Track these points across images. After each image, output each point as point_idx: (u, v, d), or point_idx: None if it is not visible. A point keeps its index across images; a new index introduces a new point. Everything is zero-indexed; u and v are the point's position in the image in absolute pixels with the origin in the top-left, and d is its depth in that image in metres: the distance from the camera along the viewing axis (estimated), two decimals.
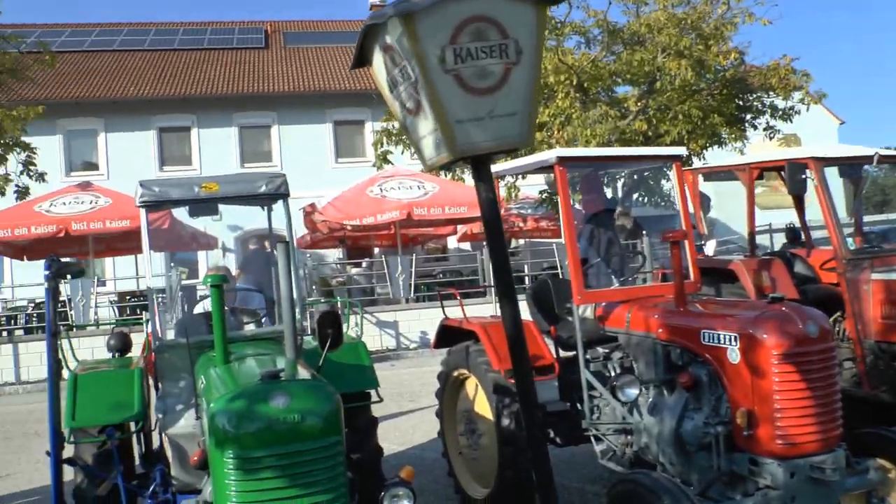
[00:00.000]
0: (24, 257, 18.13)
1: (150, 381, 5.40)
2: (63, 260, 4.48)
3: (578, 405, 5.53)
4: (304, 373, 3.83)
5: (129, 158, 25.36)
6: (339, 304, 15.93)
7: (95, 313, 17.22)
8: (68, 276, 4.53)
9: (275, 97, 28.00)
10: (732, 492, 4.49)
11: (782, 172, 8.49)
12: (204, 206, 5.43)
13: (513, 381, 5.37)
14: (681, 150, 6.02)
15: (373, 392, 5.35)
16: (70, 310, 17.08)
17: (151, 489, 4.50)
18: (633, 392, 4.98)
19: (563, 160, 5.45)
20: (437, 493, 6.48)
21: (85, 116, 26.93)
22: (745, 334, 4.37)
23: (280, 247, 3.95)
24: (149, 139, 27.22)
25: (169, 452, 4.60)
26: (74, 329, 16.42)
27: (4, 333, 17.74)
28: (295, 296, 4.46)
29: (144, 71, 28.86)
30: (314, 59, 30.79)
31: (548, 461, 2.28)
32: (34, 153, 18.47)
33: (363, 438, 5.02)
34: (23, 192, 18.24)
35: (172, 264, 20.25)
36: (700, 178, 8.78)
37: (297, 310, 5.01)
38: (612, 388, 5.08)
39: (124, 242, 18.82)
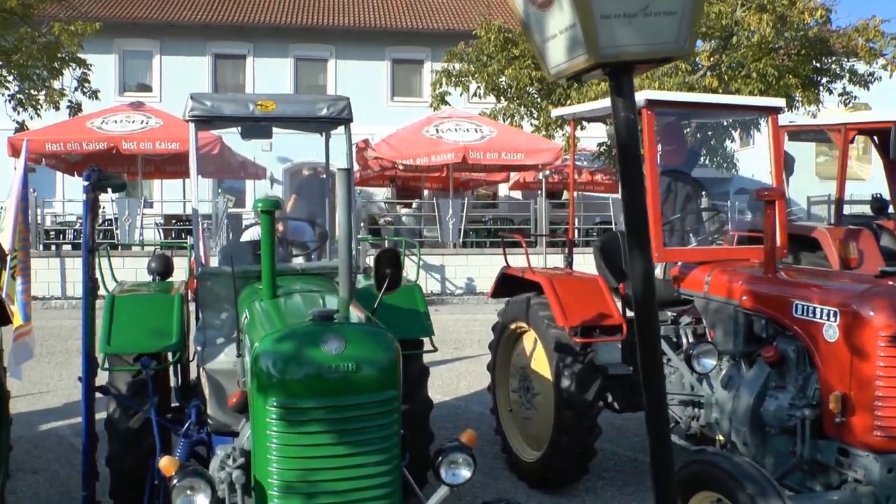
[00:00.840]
0: (75, 173, 18.05)
1: (191, 309, 5.08)
2: (105, 172, 4.11)
3: None
4: (359, 315, 3.45)
5: (182, 83, 25.04)
6: (391, 242, 15.63)
7: (141, 234, 17.14)
8: (109, 190, 4.19)
9: (333, 30, 27.41)
10: (813, 482, 4.08)
11: (875, 137, 7.87)
12: (257, 127, 5.01)
13: (578, 339, 4.97)
14: (780, 102, 5.47)
15: (425, 340, 4.94)
16: (116, 229, 17.03)
17: (186, 427, 4.19)
18: (710, 363, 4.54)
19: (652, 103, 4.95)
20: (483, 451, 6.12)
21: (141, 37, 26.67)
22: (848, 310, 3.90)
23: (340, 174, 3.53)
24: (203, 65, 26.90)
25: (206, 389, 4.27)
26: (120, 248, 16.41)
27: (52, 247, 17.81)
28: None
29: None
30: None
31: (670, 460, 1.85)
32: (89, 70, 18.36)
33: (414, 389, 4.65)
34: (76, 108, 18.16)
35: (220, 191, 20.03)
36: (785, 137, 8.16)
37: (353, 245, 4.62)
38: (688, 356, 4.64)
39: (173, 165, 18.70)
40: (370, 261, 5.23)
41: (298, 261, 5.39)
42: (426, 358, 5.04)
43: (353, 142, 19.62)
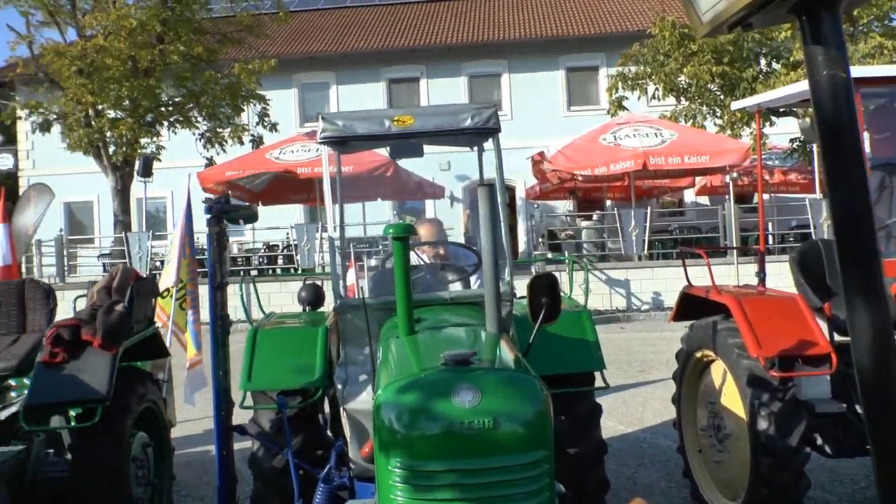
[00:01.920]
0: (259, 202, 18.85)
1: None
2: (232, 202, 3.85)
3: (859, 407, 4.19)
4: (505, 355, 2.93)
5: (358, 109, 25.74)
6: (565, 262, 14.99)
7: (321, 258, 17.55)
8: (241, 222, 3.93)
9: (505, 45, 27.24)
10: None
11: None
12: (405, 145, 4.61)
13: (776, 373, 4.17)
14: None
15: (597, 374, 4.29)
16: (296, 254, 17.53)
17: (326, 471, 3.83)
18: None
19: (859, 82, 4.09)
20: (670, 495, 5.38)
21: (318, 70, 27.67)
22: None
23: (481, 191, 3.05)
24: (378, 91, 27.52)
25: (347, 430, 3.90)
26: (301, 271, 16.87)
27: (241, 273, 18.66)
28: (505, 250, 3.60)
29: (374, 24, 29.21)
30: (546, 3, 29.63)
31: None
32: (268, 105, 19.23)
33: (584, 430, 4.04)
34: (257, 142, 19.04)
35: (396, 212, 20.22)
36: None
37: (507, 269, 4.10)
38: None
39: (349, 190, 19.04)
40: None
41: (455, 287, 4.92)
42: (610, 380, 4.39)
43: (529, 155, 19.21)
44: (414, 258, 5.07)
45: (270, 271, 18.75)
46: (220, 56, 19.33)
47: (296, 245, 17.51)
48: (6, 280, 6.63)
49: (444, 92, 26.91)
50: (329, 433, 4.55)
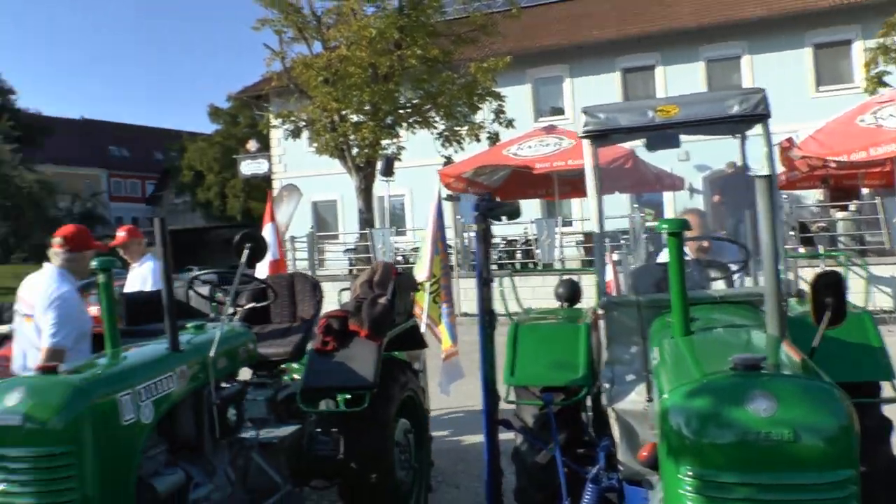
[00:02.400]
0: (496, 198, 19.18)
1: (601, 340, 4.70)
2: (497, 200, 3.93)
3: None
4: (793, 360, 2.72)
5: (592, 101, 25.24)
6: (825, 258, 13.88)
7: (561, 253, 17.55)
8: (503, 218, 4.00)
9: (744, 24, 25.62)
10: None
11: None
12: (662, 136, 4.47)
13: None
14: None
15: (886, 385, 3.87)
16: (536, 248, 17.65)
17: (595, 472, 3.79)
18: None
19: None
20: None
21: (551, 64, 27.65)
22: None
23: (759, 183, 2.87)
24: (612, 81, 27.04)
25: (616, 430, 3.83)
26: (540, 266, 16.97)
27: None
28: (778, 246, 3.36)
29: (606, 13, 28.64)
30: None
31: None
32: (503, 101, 19.53)
33: (873, 446, 3.66)
34: (493, 139, 19.40)
35: (636, 206, 19.76)
36: None
37: (781, 266, 3.83)
38: None
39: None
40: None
41: (718, 285, 4.68)
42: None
43: (776, 142, 17.92)
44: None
45: (509, 266, 19.07)
46: (455, 57, 19.89)
47: (535, 239, 17.64)
48: (276, 274, 7.24)
49: (682, 79, 25.87)
50: (591, 432, 4.50)
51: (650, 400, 3.25)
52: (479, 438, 7.24)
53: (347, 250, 22.76)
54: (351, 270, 21.33)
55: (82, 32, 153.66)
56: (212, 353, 3.64)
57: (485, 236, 3.78)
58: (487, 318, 3.83)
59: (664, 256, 5.72)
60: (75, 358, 4.70)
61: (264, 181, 36.33)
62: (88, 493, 2.84)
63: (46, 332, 4.23)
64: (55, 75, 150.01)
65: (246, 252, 3.92)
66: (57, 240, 4.85)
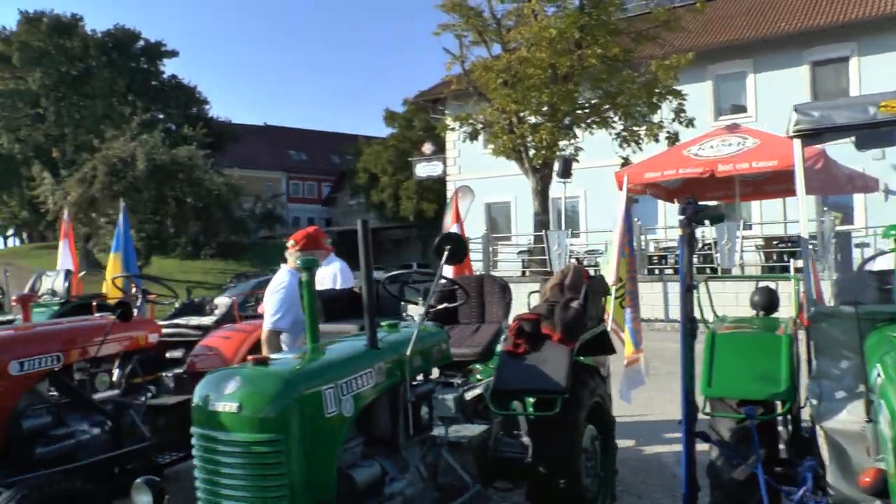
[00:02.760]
0: (674, 200, 18.58)
1: (800, 352, 4.41)
2: (701, 203, 3.75)
3: None
4: None
5: (777, 98, 23.96)
6: None
7: (741, 258, 16.74)
8: (706, 222, 3.82)
9: None
10: None
11: None
12: (877, 134, 4.13)
13: None
14: None
15: None
16: (715, 253, 16.93)
17: (801, 493, 3.55)
18: None
19: None
20: None
21: (734, 59, 26.42)
22: None
23: None
24: (800, 75, 25.45)
25: (824, 450, 3.57)
26: (720, 271, 16.27)
27: (656, 271, 18.60)
28: None
29: (794, 3, 26.99)
30: None
31: None
32: (684, 100, 18.88)
33: None
34: (673, 139, 18.79)
35: (826, 209, 18.51)
36: None
37: None
38: None
39: (772, 185, 17.88)
40: None
41: None
42: None
43: None
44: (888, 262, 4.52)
45: (705, 271, 18.39)
46: (635, 55, 19.47)
47: (714, 243, 16.92)
48: (461, 275, 7.33)
49: (880, 70, 23.87)
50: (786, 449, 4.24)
51: (869, 421, 3.00)
52: (660, 448, 7.05)
53: (521, 252, 22.79)
54: (524, 272, 21.33)
55: (267, 45, 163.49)
56: (408, 352, 3.72)
57: (689, 241, 3.63)
58: (689, 325, 3.67)
59: (881, 264, 5.29)
60: (290, 341, 5.15)
61: (438, 183, 37.09)
62: (294, 480, 2.97)
63: (268, 315, 4.58)
64: (242, 85, 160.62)
65: (446, 253, 3.96)
66: (291, 241, 5.85)
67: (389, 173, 51.31)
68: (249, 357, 3.21)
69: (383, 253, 52.88)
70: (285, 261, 5.92)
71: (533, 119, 19.54)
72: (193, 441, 3.11)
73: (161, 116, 54.22)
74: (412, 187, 47.47)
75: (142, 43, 58.48)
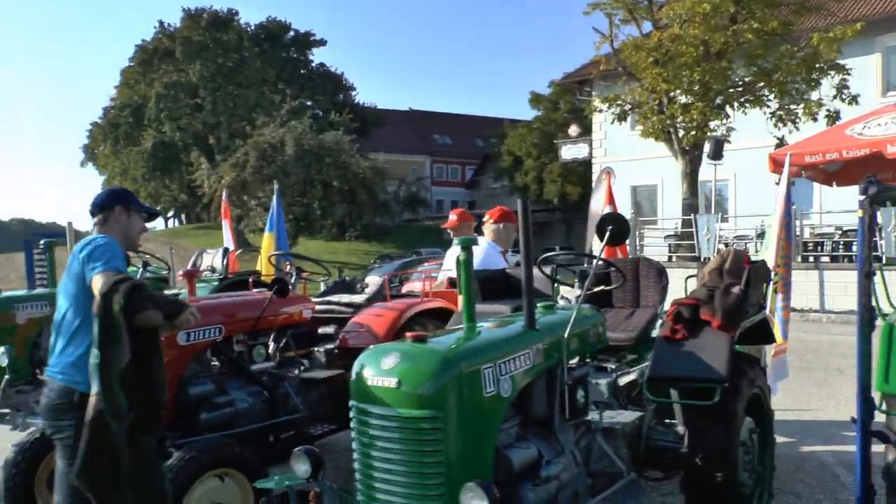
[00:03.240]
0: (833, 183, 17.46)
1: None
2: (886, 184, 3.45)
3: None
4: None
5: None
6: None
7: None
8: (887, 203, 3.53)
9: None
10: None
11: None
12: None
13: None
14: None
15: None
16: (880, 240, 15.83)
17: None
18: None
19: None
20: None
21: None
22: None
23: None
24: None
25: None
26: (884, 259, 15.21)
27: (811, 259, 17.60)
28: None
29: None
30: None
31: None
32: (848, 75, 17.66)
33: None
34: (833, 117, 17.65)
35: None
36: None
37: None
38: None
39: None
40: None
41: None
42: None
43: None
44: None
45: (844, 259, 17.31)
46: (795, 28, 18.41)
47: (879, 229, 15.81)
48: (613, 257, 7.17)
49: None
50: None
51: None
52: (819, 447, 6.70)
53: (668, 236, 22.17)
54: (671, 257, 20.72)
55: (412, 30, 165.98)
56: (566, 334, 3.65)
57: (870, 224, 3.36)
58: (867, 315, 3.41)
59: None
60: None
61: (583, 166, 36.59)
62: (452, 458, 2.95)
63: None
64: (388, 71, 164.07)
65: (607, 234, 3.85)
66: (486, 216, 6.70)
67: (534, 156, 51.07)
68: (408, 334, 3.22)
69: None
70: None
71: (683, 99, 18.94)
72: (351, 414, 3.16)
73: (309, 103, 56.20)
74: (556, 170, 47.09)
75: (292, 34, 60.89)
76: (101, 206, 4.05)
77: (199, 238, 53.13)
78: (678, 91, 18.76)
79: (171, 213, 77.73)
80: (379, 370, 3.06)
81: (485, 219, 6.73)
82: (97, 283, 3.52)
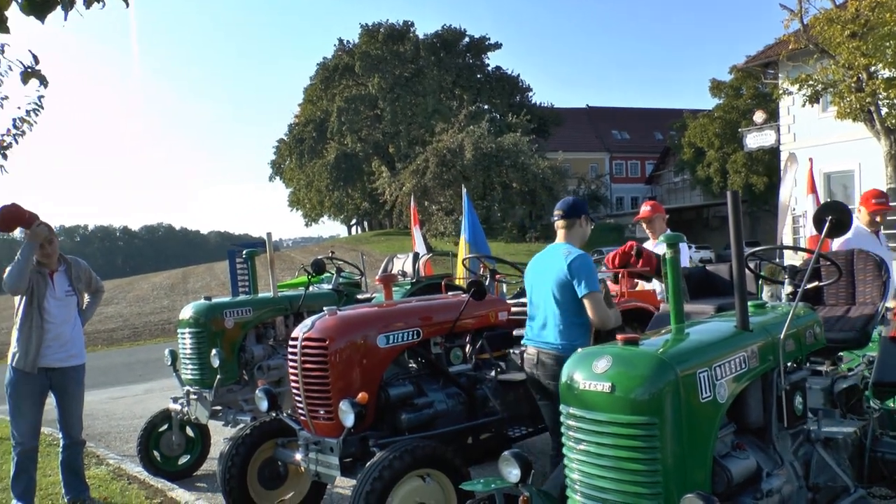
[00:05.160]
0: None
1: None
2: None
3: None
4: None
5: None
6: None
7: None
8: None
9: None
10: None
11: None
12: None
13: None
14: None
15: None
16: None
17: None
18: None
19: None
20: None
21: None
22: None
23: None
24: None
25: None
26: None
27: None
28: None
29: None
30: None
31: None
32: None
33: None
34: None
35: None
36: None
37: None
38: None
39: None
40: None
41: None
42: None
43: None
44: None
45: None
46: None
47: None
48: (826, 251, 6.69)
49: None
50: None
51: None
52: None
53: None
54: None
55: (586, 28, 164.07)
56: (782, 335, 3.41)
57: None
58: None
59: None
60: None
61: (769, 154, 34.65)
62: (669, 467, 2.81)
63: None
64: (564, 69, 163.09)
65: (827, 224, 3.54)
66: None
67: (716, 147, 49.09)
68: (619, 336, 3.12)
69: (710, 231, 50.68)
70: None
71: (886, 73, 17.40)
72: (562, 419, 3.10)
73: (486, 107, 56.90)
74: (740, 160, 45.01)
75: (467, 40, 61.86)
76: (571, 213, 4.80)
77: (381, 244, 55.14)
78: (880, 65, 17.32)
79: (353, 221, 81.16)
80: (591, 374, 2.99)
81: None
82: (592, 306, 4.51)
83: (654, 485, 2.82)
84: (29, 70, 3.35)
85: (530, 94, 63.21)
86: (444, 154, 38.33)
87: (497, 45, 62.10)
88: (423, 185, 37.58)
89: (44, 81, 3.45)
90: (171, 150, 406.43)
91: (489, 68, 62.50)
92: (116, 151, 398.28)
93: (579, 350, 3.23)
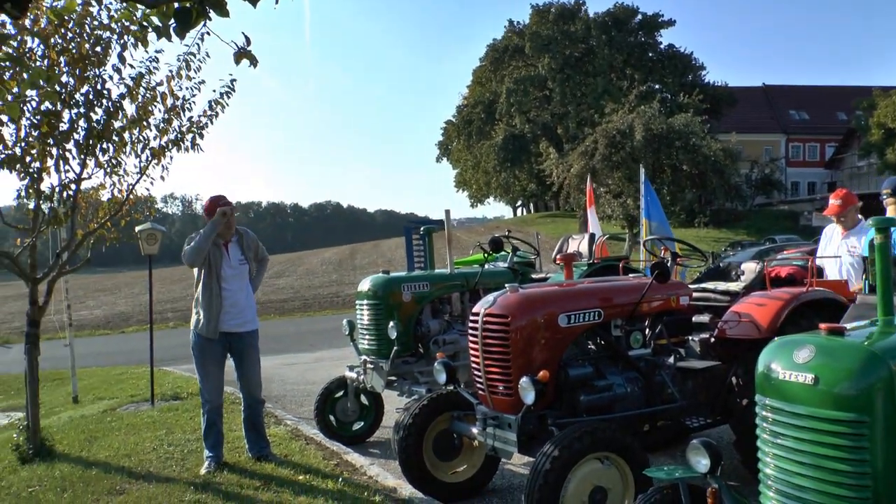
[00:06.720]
0: None
1: None
2: None
3: None
4: None
5: None
6: None
7: None
8: None
9: None
10: None
11: None
12: None
13: None
14: None
15: None
16: None
17: None
18: None
19: None
20: None
21: None
22: None
23: None
24: None
25: None
26: None
27: None
28: None
29: None
30: None
31: None
32: None
33: None
34: None
35: None
36: None
37: None
38: None
39: None
40: None
41: None
42: None
43: None
44: None
45: None
46: None
47: None
48: None
49: None
50: None
51: None
52: None
53: None
54: None
55: (765, 2, 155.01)
56: None
57: None
58: None
59: None
60: None
61: None
62: (878, 470, 2.60)
63: None
64: (739, 47, 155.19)
65: None
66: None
67: None
68: (822, 325, 2.94)
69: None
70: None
71: None
72: (757, 409, 2.97)
73: (657, 87, 55.21)
74: None
75: (639, 17, 60.20)
76: None
77: (547, 225, 54.92)
78: None
79: (518, 203, 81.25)
80: (791, 364, 2.84)
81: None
82: None
83: (863, 489, 2.63)
84: (242, 51, 3.53)
85: (703, 72, 60.72)
86: (614, 135, 37.50)
87: (671, 22, 60.02)
88: (591, 167, 36.98)
89: (254, 62, 3.62)
90: (340, 132, 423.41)
91: (661, 46, 60.55)
92: (289, 133, 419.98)
93: (777, 339, 3.08)
